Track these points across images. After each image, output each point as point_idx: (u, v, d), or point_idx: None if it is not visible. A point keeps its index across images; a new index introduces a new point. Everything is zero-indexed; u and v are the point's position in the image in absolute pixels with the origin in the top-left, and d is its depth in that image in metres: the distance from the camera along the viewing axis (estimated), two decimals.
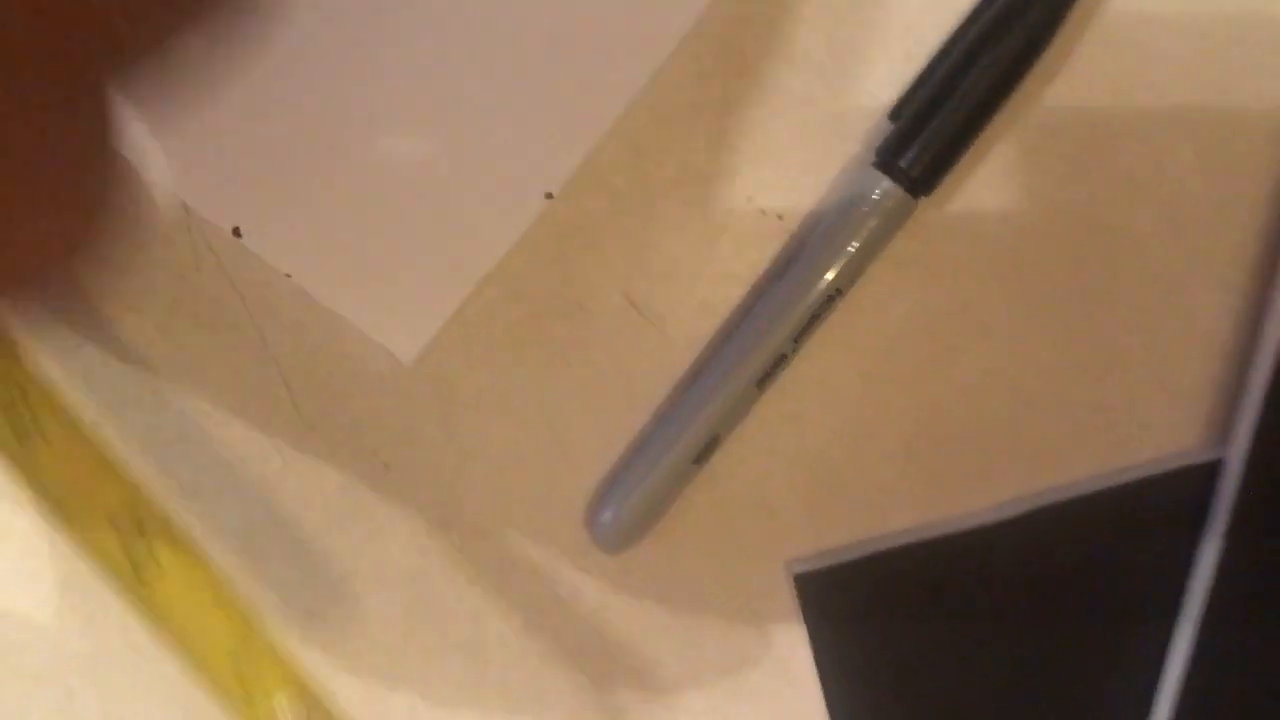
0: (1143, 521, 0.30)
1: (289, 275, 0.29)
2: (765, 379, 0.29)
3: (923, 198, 0.29)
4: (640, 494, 0.30)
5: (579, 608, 0.31)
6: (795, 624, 0.31)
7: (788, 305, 0.28)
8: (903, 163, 0.28)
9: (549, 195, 0.29)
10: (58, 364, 0.30)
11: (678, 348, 0.30)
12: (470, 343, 0.30)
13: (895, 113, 0.29)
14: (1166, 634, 0.31)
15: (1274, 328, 0.29)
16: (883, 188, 0.28)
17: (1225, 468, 0.30)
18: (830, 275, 0.28)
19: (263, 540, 0.31)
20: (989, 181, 0.30)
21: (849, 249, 0.28)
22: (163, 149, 0.28)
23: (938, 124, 0.28)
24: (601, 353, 0.30)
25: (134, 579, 0.29)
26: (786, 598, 0.31)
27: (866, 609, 0.31)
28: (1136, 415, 0.30)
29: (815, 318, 0.29)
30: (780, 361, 0.29)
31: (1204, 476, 0.30)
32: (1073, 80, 0.29)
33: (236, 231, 0.29)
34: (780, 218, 0.30)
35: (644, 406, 0.30)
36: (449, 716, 0.32)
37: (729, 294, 0.30)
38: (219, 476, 0.31)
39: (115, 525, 0.29)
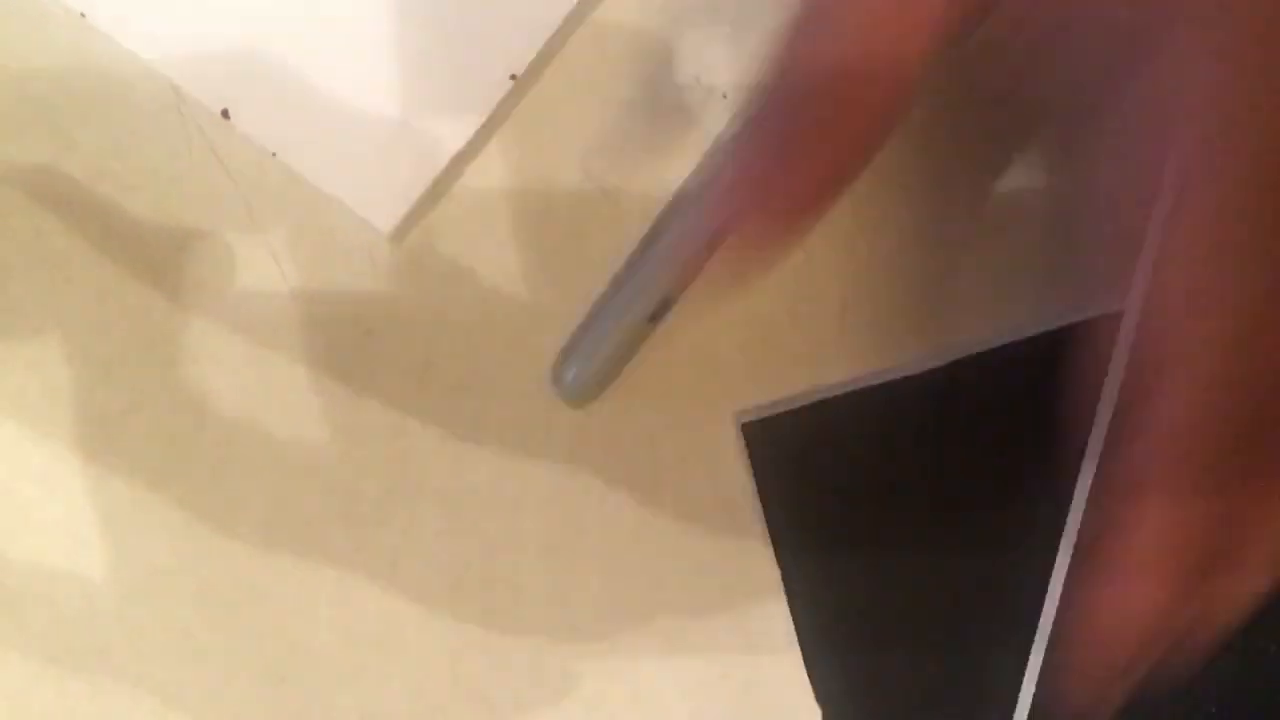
0: (1060, 368, 0.34)
1: (275, 154, 0.32)
2: (714, 240, 0.32)
3: None
4: (600, 352, 0.33)
5: (546, 459, 0.34)
6: (743, 471, 0.34)
7: None
8: None
9: (513, 77, 0.32)
10: (63, 239, 0.33)
11: (632, 217, 0.33)
12: (443, 216, 0.33)
13: None
14: (1076, 469, 0.34)
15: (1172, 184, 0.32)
16: None
17: (1125, 317, 0.33)
18: None
19: (252, 404, 0.34)
20: None
21: None
22: (153, 33, 0.31)
23: None
24: (563, 224, 0.33)
25: None
26: (735, 447, 0.34)
27: (807, 454, 0.34)
28: (1047, 272, 0.34)
29: None
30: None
31: (1108, 328, 0.33)
32: None
33: (225, 113, 0.32)
34: (725, 95, 0.33)
35: (602, 272, 0.33)
36: (428, 562, 0.35)
37: (679, 167, 0.33)
38: (212, 346, 0.33)
39: None
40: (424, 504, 0.34)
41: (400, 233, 0.32)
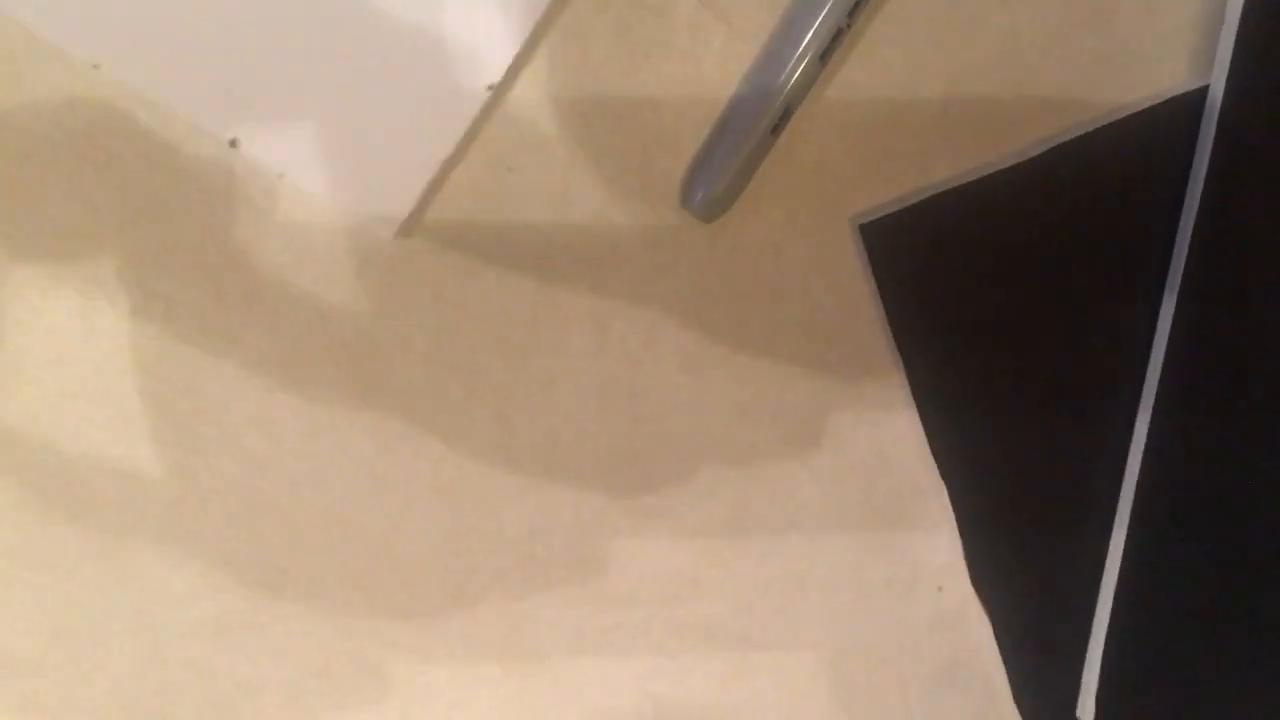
0: (1147, 147, 0.36)
1: (282, 175, 0.34)
2: (826, 52, 0.35)
3: None
4: (726, 167, 0.35)
5: (679, 275, 0.37)
6: (863, 272, 0.37)
7: None
8: None
9: None
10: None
11: (745, 39, 0.36)
12: (561, 55, 0.35)
13: None
14: (1168, 248, 0.37)
15: None
16: None
17: (1210, 90, 0.36)
18: None
19: (401, 245, 0.36)
20: None
21: None
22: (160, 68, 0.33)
23: None
24: (680, 50, 0.36)
25: None
26: (853, 249, 0.37)
27: (920, 249, 0.37)
28: (1133, 60, 0.36)
29: None
30: (838, 36, 0.34)
31: (1194, 103, 0.36)
32: None
33: (233, 143, 0.34)
34: None
35: (720, 93, 0.36)
36: (578, 381, 0.38)
37: None
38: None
39: None
40: (572, 326, 0.37)
41: (526, 74, 0.35)
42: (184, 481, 0.37)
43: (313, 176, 0.35)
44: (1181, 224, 0.36)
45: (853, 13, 0.34)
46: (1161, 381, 0.37)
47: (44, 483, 0.37)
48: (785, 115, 0.35)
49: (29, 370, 0.36)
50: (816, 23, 0.34)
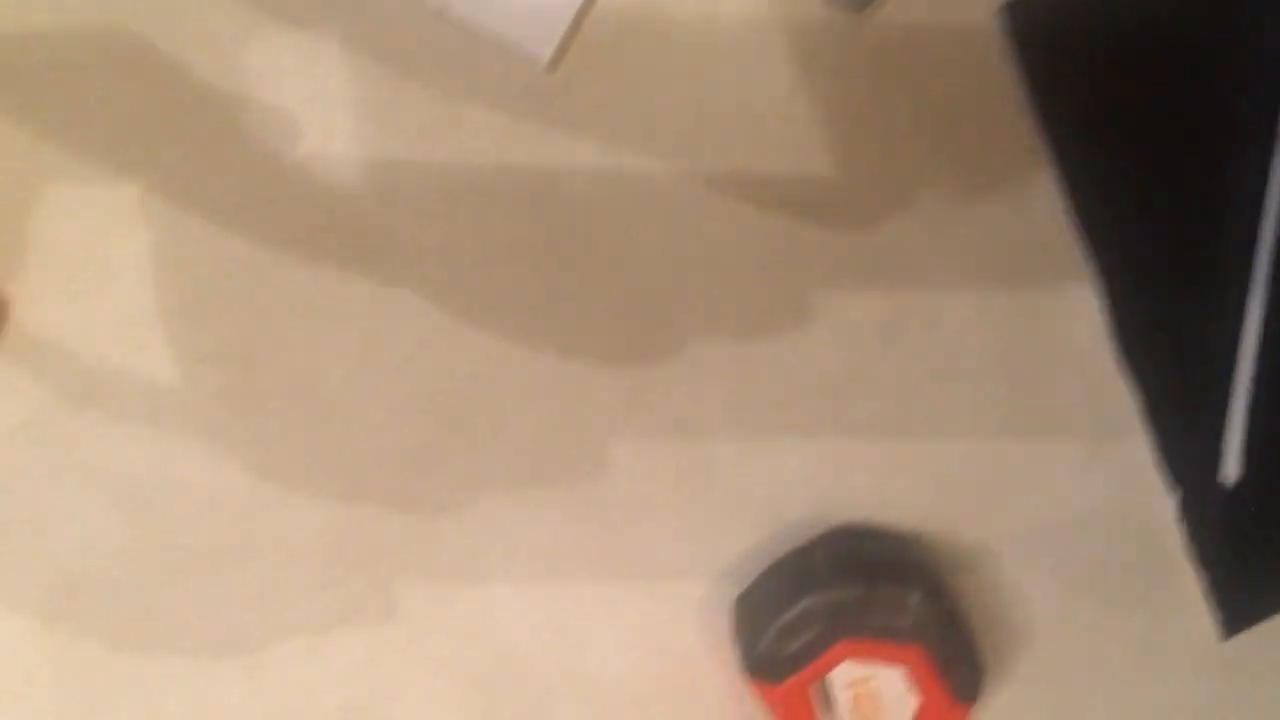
0: None
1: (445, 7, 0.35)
2: None
3: None
4: None
5: (828, 72, 0.38)
6: (1004, 59, 0.38)
7: None
8: None
9: None
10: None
11: None
12: None
13: None
14: None
15: None
16: None
17: None
18: None
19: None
20: None
21: None
22: None
23: None
24: None
25: None
26: (996, 36, 0.38)
27: (1061, 26, 0.38)
28: None
29: None
30: None
31: None
32: None
33: None
34: None
35: None
36: (739, 181, 0.39)
37: None
38: None
39: None
40: (730, 129, 0.39)
41: None
42: (376, 313, 0.39)
43: (473, 6, 0.36)
44: None
45: None
46: None
47: (250, 333, 0.39)
48: None
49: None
50: None
